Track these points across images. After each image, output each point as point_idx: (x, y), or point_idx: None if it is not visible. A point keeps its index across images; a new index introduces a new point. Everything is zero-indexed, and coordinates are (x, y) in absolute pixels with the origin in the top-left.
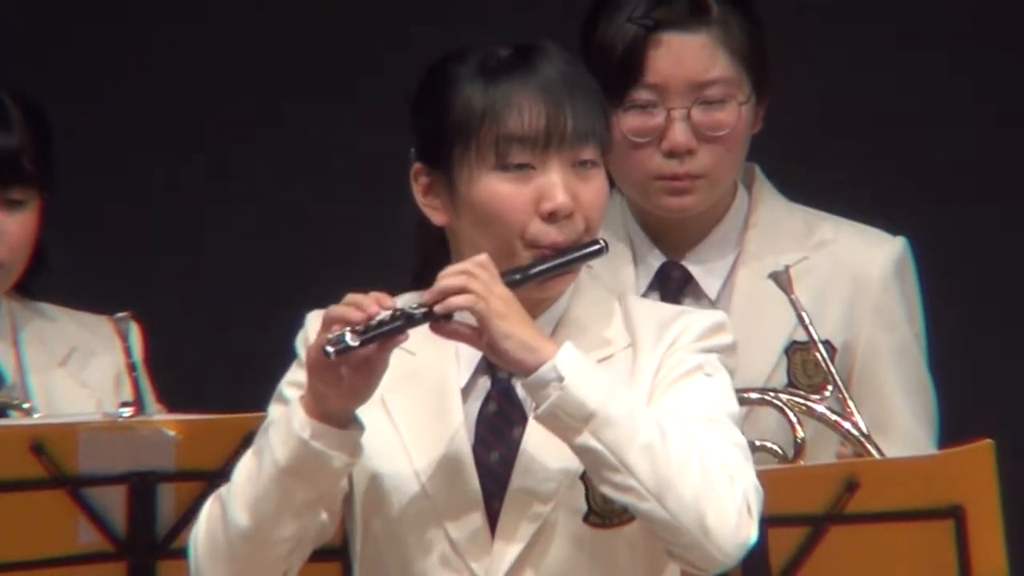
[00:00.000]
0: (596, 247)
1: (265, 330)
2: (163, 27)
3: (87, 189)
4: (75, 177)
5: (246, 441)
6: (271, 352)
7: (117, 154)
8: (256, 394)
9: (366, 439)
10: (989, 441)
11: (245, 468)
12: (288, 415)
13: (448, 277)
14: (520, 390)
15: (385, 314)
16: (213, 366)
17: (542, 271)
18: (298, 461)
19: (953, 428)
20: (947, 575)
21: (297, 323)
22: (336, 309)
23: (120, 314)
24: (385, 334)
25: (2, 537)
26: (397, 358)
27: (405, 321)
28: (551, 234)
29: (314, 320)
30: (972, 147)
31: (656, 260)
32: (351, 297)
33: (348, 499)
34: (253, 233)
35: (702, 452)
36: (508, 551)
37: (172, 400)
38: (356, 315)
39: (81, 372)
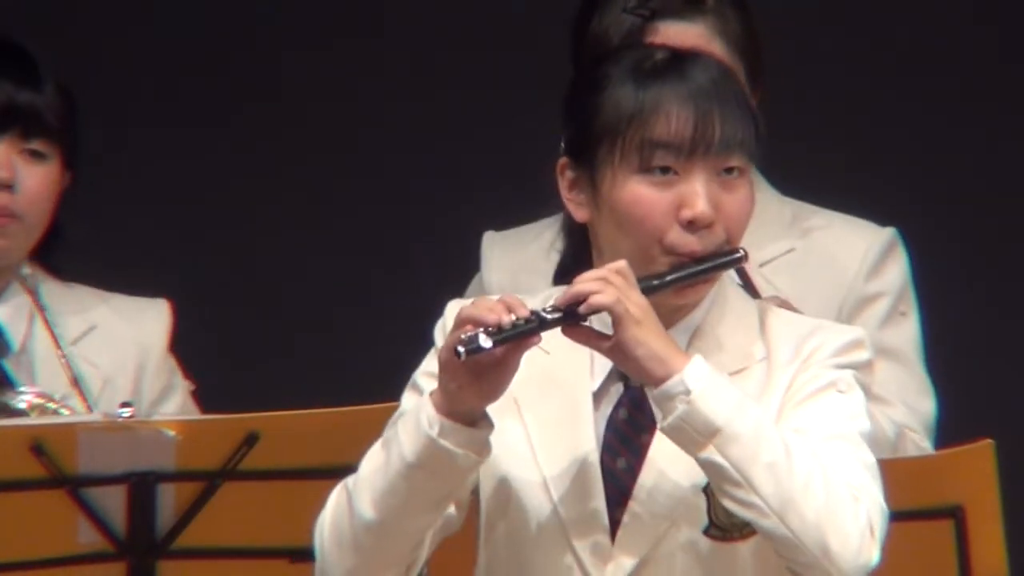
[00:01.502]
0: (736, 256)
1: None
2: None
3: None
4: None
5: (246, 441)
6: (270, 352)
7: (153, 137)
8: (256, 394)
9: (495, 440)
10: (989, 441)
11: (373, 460)
12: (418, 410)
13: (584, 283)
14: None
15: (519, 316)
16: (213, 366)
17: (678, 278)
18: (425, 458)
19: (953, 428)
20: (947, 575)
21: (296, 322)
22: (469, 309)
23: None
24: (517, 336)
25: (2, 537)
26: (531, 357)
27: (539, 324)
28: (690, 242)
29: (453, 308)
30: (983, 146)
31: None
32: (483, 300)
33: (475, 492)
34: (270, 231)
35: (827, 471)
36: (628, 560)
37: None
38: (490, 316)
39: (94, 352)
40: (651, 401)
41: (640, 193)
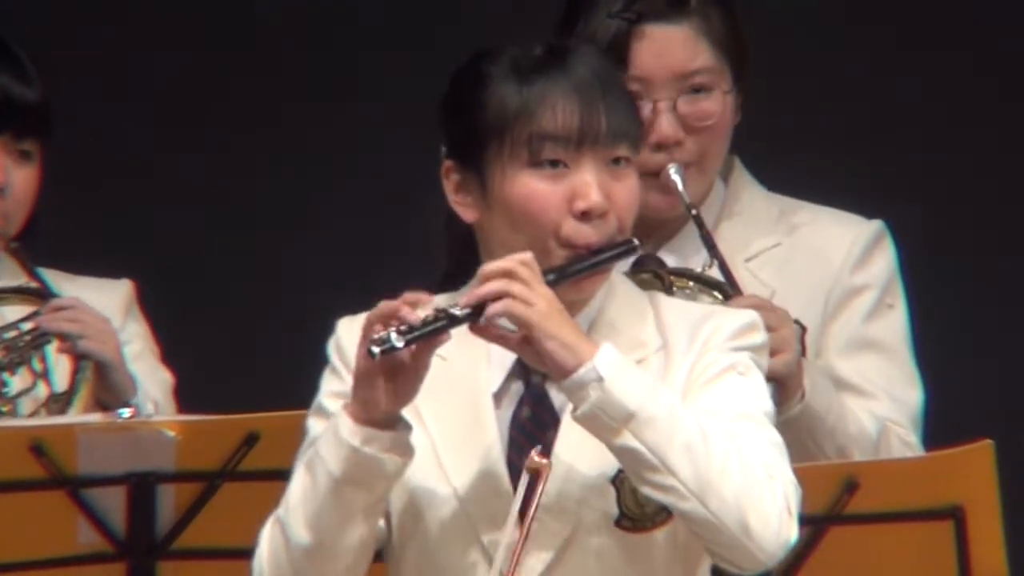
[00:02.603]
0: (630, 246)
1: (267, 331)
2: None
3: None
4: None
5: (246, 441)
6: (270, 352)
7: (128, 146)
8: (256, 393)
9: None
10: (989, 441)
11: (299, 486)
12: (335, 426)
13: (490, 276)
14: (553, 394)
15: (428, 314)
16: (212, 366)
17: (577, 270)
18: (352, 469)
19: (953, 428)
20: (947, 575)
21: (296, 323)
22: (376, 310)
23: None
24: (429, 334)
25: (2, 537)
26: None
27: (449, 321)
28: (585, 233)
29: (345, 326)
30: (995, 147)
31: None
32: (386, 304)
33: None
34: (253, 231)
35: (742, 451)
36: (541, 555)
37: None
38: (401, 315)
39: None
40: (562, 392)
41: (532, 187)
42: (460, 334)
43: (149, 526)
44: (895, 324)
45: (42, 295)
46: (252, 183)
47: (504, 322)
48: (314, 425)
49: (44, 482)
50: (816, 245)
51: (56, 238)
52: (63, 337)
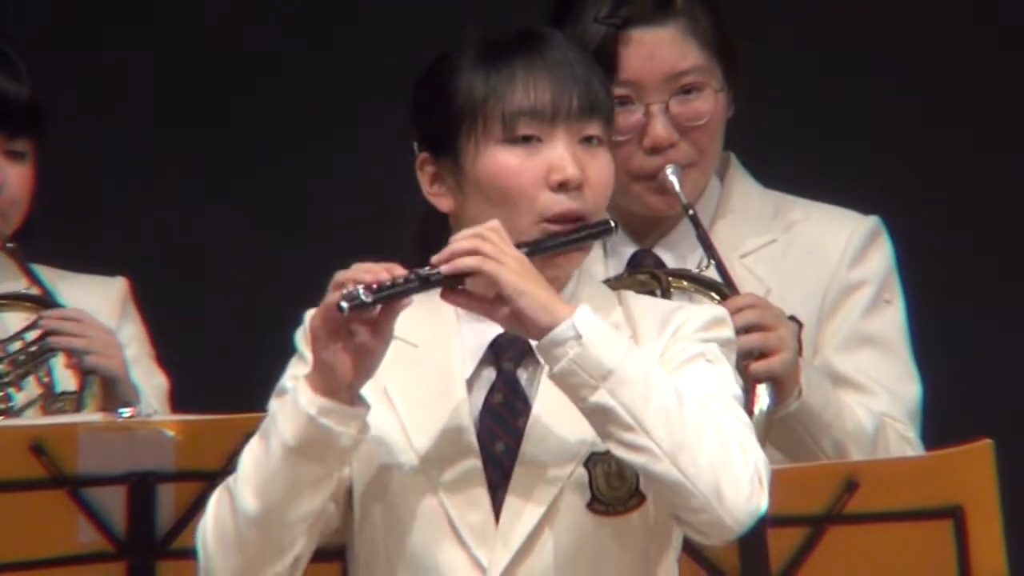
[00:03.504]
0: (606, 225)
1: (268, 330)
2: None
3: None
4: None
5: (246, 441)
6: (271, 353)
7: (120, 152)
8: (256, 394)
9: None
10: (989, 441)
11: (252, 453)
12: (294, 395)
13: (460, 240)
14: (525, 381)
15: (399, 276)
16: (213, 365)
17: (553, 245)
18: (306, 439)
19: (953, 428)
20: (947, 575)
21: (297, 323)
22: (347, 272)
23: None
24: (398, 293)
25: (2, 537)
26: (400, 349)
27: (419, 283)
28: (562, 202)
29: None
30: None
31: (628, 248)
32: (361, 264)
33: (349, 491)
34: (252, 232)
35: (716, 419)
36: (512, 539)
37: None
38: (368, 276)
39: None
40: (527, 379)
41: (507, 163)
42: (433, 323)
43: (149, 526)
44: (893, 320)
45: (44, 303)
46: (252, 183)
47: (475, 286)
48: (274, 405)
49: (44, 482)
50: (812, 241)
51: (52, 235)
52: (70, 352)
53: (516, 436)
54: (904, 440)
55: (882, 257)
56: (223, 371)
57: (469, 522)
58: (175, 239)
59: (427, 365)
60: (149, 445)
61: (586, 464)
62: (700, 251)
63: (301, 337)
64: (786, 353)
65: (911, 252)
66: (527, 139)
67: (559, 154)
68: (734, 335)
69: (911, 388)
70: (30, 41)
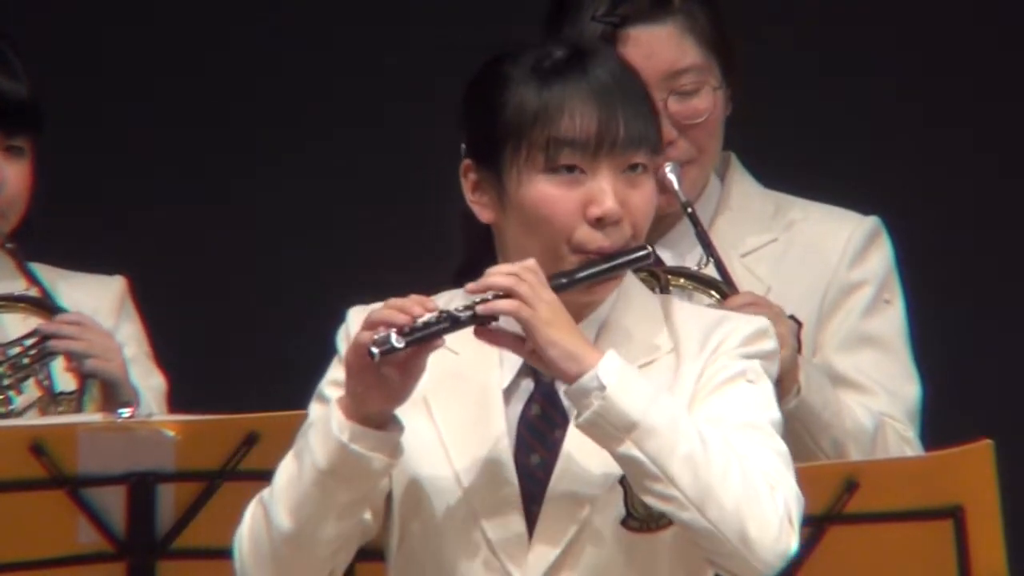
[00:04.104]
0: (643, 252)
1: (267, 330)
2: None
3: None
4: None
5: (246, 441)
6: (271, 353)
7: (120, 152)
8: (256, 394)
9: (406, 440)
10: (989, 441)
11: (286, 471)
12: (327, 417)
13: (496, 276)
14: (563, 393)
15: (430, 316)
16: (212, 365)
17: (588, 276)
18: (338, 464)
19: (953, 428)
20: (947, 575)
21: (297, 323)
22: (380, 312)
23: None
24: (430, 336)
25: (2, 537)
26: (440, 358)
27: (451, 323)
28: (598, 240)
29: (356, 315)
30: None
31: None
32: (393, 301)
33: (388, 498)
34: (252, 232)
35: (743, 461)
36: (546, 554)
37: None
38: (401, 317)
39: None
40: (565, 398)
41: (547, 192)
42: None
43: (149, 526)
44: (892, 320)
45: (43, 305)
46: (252, 182)
47: (507, 323)
48: (313, 410)
49: (44, 482)
50: (812, 241)
51: (51, 234)
52: (70, 356)
53: (552, 449)
54: (903, 440)
55: (882, 257)
56: (223, 371)
57: (503, 537)
58: (175, 239)
59: (466, 374)
60: (149, 445)
61: (621, 481)
62: (699, 249)
63: (343, 337)
64: (785, 351)
65: (911, 252)
66: (570, 169)
67: (600, 187)
68: (777, 346)
69: (911, 388)
70: (30, 41)
